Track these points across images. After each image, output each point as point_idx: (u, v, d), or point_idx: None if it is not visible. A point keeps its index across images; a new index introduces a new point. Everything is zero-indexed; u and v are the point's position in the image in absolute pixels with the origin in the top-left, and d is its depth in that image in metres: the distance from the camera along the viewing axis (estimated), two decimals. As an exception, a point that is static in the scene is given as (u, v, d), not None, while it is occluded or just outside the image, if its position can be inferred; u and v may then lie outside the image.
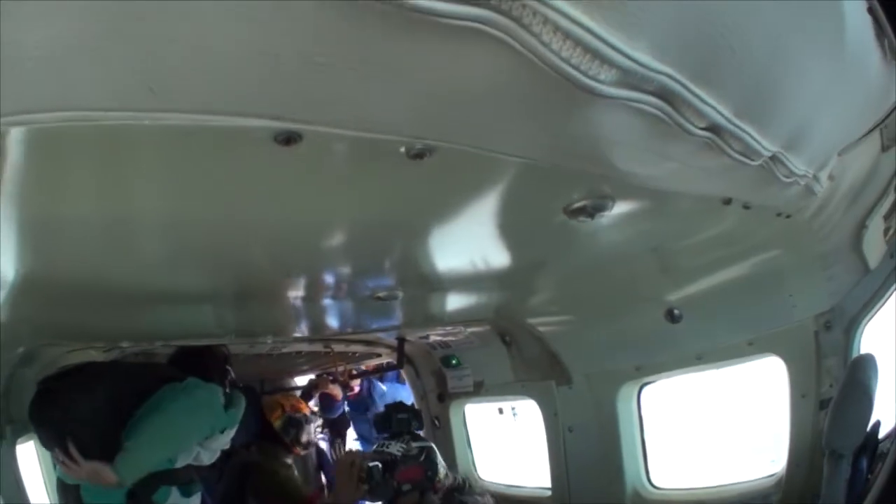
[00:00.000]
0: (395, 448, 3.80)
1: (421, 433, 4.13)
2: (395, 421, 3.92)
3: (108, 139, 1.26)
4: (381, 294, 2.96)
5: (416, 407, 4.50)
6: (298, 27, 0.94)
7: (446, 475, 3.87)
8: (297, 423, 4.59)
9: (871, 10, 1.54)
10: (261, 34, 0.95)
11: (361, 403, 6.30)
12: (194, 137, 1.27)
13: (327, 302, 3.19)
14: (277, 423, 4.53)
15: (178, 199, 1.67)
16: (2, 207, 1.49)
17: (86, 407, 2.74)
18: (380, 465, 3.68)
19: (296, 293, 2.89)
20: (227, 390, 3.30)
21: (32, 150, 1.27)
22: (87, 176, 1.49)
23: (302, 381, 6.35)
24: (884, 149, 2.37)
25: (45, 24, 0.89)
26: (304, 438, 4.62)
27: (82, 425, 2.73)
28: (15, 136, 1.18)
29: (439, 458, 3.87)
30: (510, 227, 2.21)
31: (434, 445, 3.96)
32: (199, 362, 3.42)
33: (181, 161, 1.43)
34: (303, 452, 4.74)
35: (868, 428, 2.23)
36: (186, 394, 2.93)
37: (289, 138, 1.25)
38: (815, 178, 2.07)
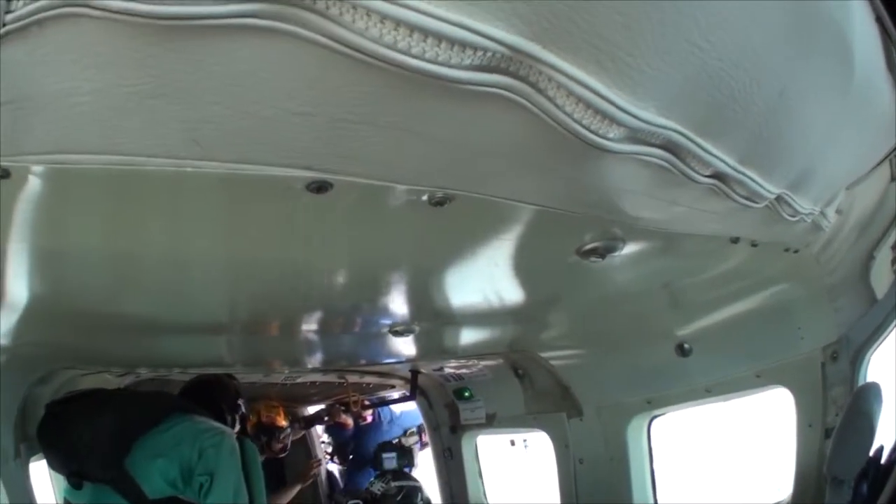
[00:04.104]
0: (377, 487, 4.26)
1: (410, 471, 4.43)
2: (381, 461, 4.35)
3: (137, 181, 1.31)
4: (398, 328, 3.02)
5: (408, 445, 4.60)
6: (332, 92, 1.02)
7: None
8: (268, 432, 4.96)
9: (879, 20, 1.56)
10: (297, 99, 1.03)
11: (364, 430, 6.29)
12: (230, 183, 1.33)
13: (344, 335, 3.25)
14: (249, 429, 4.74)
15: (208, 240, 1.75)
16: (19, 237, 1.57)
17: (90, 432, 2.76)
18: None
19: (313, 327, 2.95)
20: (238, 432, 3.31)
21: (59, 187, 1.33)
22: (112, 215, 1.56)
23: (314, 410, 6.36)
24: (893, 179, 2.39)
25: (96, 76, 0.96)
26: (276, 446, 4.99)
27: (86, 450, 2.75)
28: (38, 171, 1.24)
29: (421, 497, 4.25)
30: (525, 268, 2.27)
31: (419, 485, 4.20)
32: (212, 395, 3.40)
33: (218, 205, 1.51)
34: (279, 455, 5.10)
35: (870, 454, 2.25)
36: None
37: (320, 187, 1.33)
38: (822, 214, 2.10)
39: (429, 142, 1.18)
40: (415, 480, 4.36)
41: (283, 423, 5.14)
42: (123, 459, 2.79)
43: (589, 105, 1.08)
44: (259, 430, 4.98)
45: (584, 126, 1.11)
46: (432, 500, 4.51)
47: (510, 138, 1.19)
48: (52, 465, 2.98)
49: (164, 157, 1.16)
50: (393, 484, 4.21)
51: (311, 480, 5.45)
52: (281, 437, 5.11)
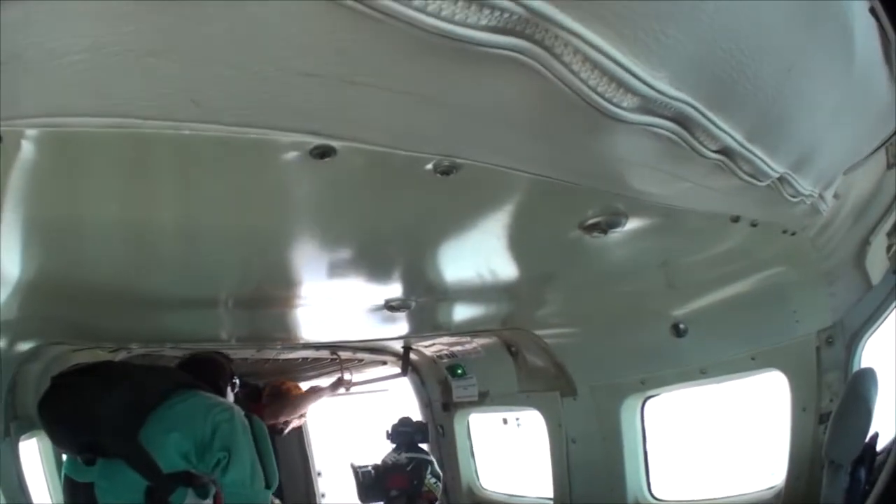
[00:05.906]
0: (389, 457, 4.34)
1: (424, 446, 4.46)
2: (396, 434, 4.43)
3: (135, 145, 1.28)
4: (394, 303, 3.01)
5: (423, 421, 4.64)
6: (341, 51, 1.00)
7: (436, 484, 4.26)
8: (279, 398, 4.74)
9: (872, 11, 1.53)
10: (305, 57, 1.01)
11: None
12: (231, 148, 1.30)
13: (340, 309, 3.23)
14: (267, 389, 4.76)
15: (207, 207, 1.71)
16: (13, 206, 1.53)
17: (103, 403, 2.69)
18: (371, 471, 4.28)
19: (312, 300, 2.93)
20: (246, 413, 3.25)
21: (53, 152, 1.30)
22: (109, 181, 1.52)
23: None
24: (889, 166, 2.39)
25: (90, 33, 0.93)
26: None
27: (99, 422, 2.69)
28: (32, 135, 1.21)
29: (431, 470, 4.29)
30: (527, 241, 2.27)
31: (430, 459, 4.33)
32: (210, 370, 3.34)
33: (218, 172, 1.48)
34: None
35: (867, 439, 2.27)
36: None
37: (324, 152, 1.31)
38: (821, 196, 2.12)
39: (438, 106, 1.17)
40: (426, 454, 4.41)
41: (298, 410, 5.05)
42: (138, 432, 2.74)
43: (605, 72, 1.06)
44: (273, 392, 4.81)
45: (598, 93, 1.10)
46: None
47: (521, 105, 1.18)
48: (58, 440, 2.89)
49: (162, 118, 1.14)
50: (404, 455, 4.28)
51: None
52: (288, 412, 4.94)
